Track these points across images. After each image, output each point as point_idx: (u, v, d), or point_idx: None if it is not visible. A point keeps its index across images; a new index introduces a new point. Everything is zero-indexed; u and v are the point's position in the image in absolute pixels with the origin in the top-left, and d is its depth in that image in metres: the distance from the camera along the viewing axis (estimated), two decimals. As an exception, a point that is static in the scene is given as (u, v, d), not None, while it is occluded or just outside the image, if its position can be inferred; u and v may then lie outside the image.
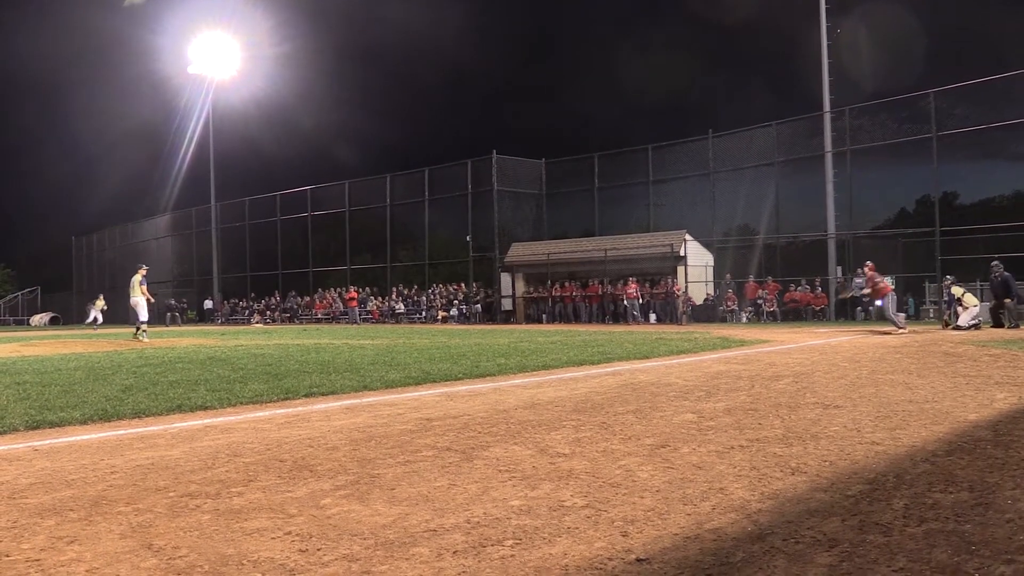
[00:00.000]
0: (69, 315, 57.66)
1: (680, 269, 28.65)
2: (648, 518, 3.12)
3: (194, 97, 46.72)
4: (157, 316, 39.86)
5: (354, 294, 37.02)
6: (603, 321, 29.44)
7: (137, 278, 19.49)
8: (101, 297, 37.14)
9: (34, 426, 5.62)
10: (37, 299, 67.93)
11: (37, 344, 18.22)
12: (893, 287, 20.05)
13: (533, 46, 73.91)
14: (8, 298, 71.14)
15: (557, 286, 31.59)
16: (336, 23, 76.27)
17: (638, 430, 5.12)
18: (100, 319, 35.77)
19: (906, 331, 16.80)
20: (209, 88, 45.66)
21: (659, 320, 28.28)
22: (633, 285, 28.67)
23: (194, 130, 48.16)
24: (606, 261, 30.01)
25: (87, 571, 2.63)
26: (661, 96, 65.18)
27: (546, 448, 4.55)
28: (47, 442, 5.06)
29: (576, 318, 30.48)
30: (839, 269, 27.31)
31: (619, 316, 29.30)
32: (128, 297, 19.71)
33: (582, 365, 10.04)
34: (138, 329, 19.00)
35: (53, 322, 56.58)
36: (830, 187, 27.35)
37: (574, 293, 31.04)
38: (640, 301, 28.70)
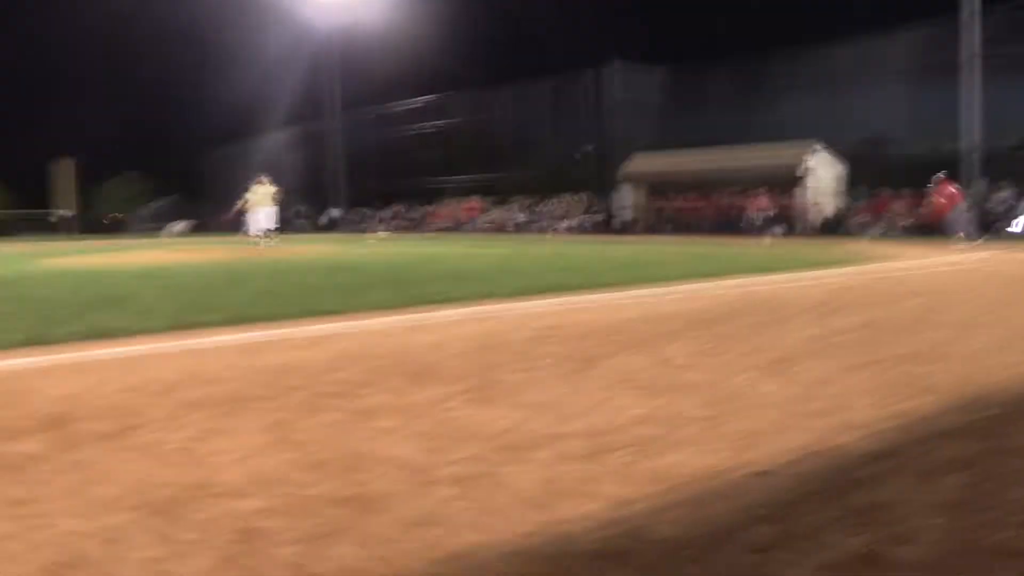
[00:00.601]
0: (206, 223, 60.64)
1: (808, 180, 27.57)
2: (769, 431, 3.10)
3: (317, 10, 47.15)
4: (285, 223, 41.61)
5: (476, 204, 37.38)
6: (726, 233, 28.80)
7: (267, 188, 20.07)
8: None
9: (180, 327, 5.97)
10: (175, 207, 71.64)
11: (179, 250, 19.30)
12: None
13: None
14: (151, 206, 75.40)
15: (679, 197, 30.99)
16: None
17: (759, 343, 5.04)
18: None
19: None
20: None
21: (785, 233, 27.45)
22: (760, 197, 27.82)
23: (320, 42, 48.85)
24: (730, 171, 29.15)
25: (232, 461, 2.82)
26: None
27: (665, 359, 4.55)
28: (192, 342, 5.39)
29: (698, 230, 29.92)
30: (984, 182, 25.67)
31: (742, 228, 28.59)
32: (251, 205, 20.29)
33: (703, 277, 9.90)
34: (265, 236, 19.81)
35: (193, 230, 59.68)
36: (972, 96, 25.46)
37: (696, 204, 30.41)
38: (767, 213, 27.87)
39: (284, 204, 21.94)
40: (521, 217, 37.18)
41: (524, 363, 4.48)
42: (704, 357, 4.60)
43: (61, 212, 67.28)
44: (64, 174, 66.95)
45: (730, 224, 29.15)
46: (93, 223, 73.84)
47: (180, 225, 62.95)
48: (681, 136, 34.59)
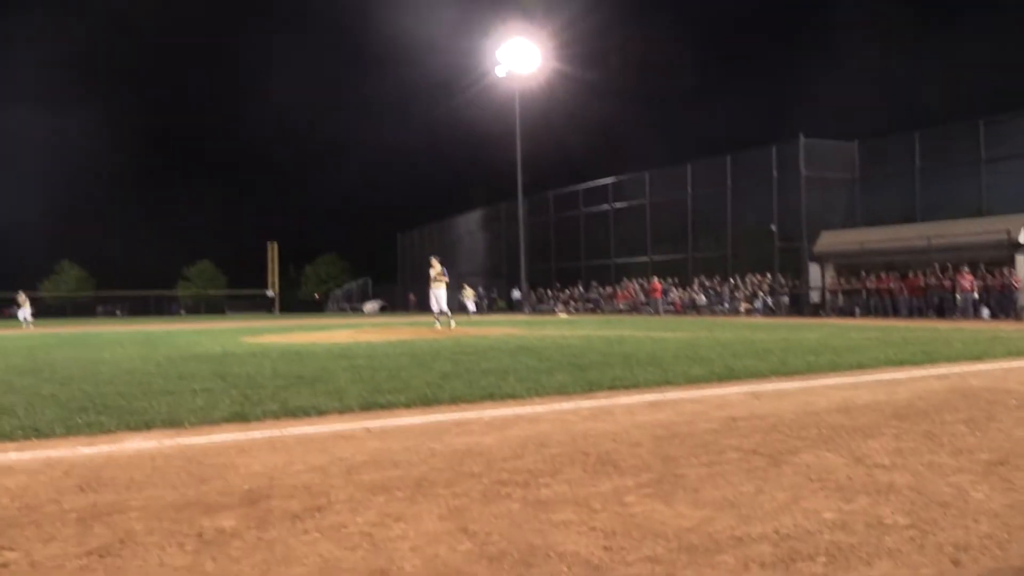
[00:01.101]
0: (394, 303, 63.38)
1: (1019, 257, 25.52)
2: (984, 546, 2.79)
3: (502, 97, 49.22)
4: (464, 305, 42.89)
5: (658, 285, 37.10)
6: (925, 315, 27.02)
7: (436, 270, 20.67)
8: (21, 293, 38.79)
9: (367, 407, 6.20)
10: (368, 288, 75.57)
11: (368, 331, 20.22)
12: None
13: (830, 10, 69.02)
14: (345, 287, 79.90)
15: (872, 277, 29.47)
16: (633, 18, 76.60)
17: (971, 443, 4.61)
18: (29, 318, 37.10)
19: None
20: (515, 88, 47.81)
21: (993, 315, 25.42)
22: (966, 276, 25.99)
23: (502, 128, 50.85)
24: (929, 250, 27.50)
25: (411, 548, 2.85)
26: (990, 63, 58.39)
27: (862, 457, 4.24)
28: (378, 423, 5.57)
29: (894, 312, 28.24)
30: None
31: (944, 310, 26.73)
32: (429, 287, 20.99)
33: (902, 365, 9.26)
34: (443, 317, 20.41)
35: (382, 310, 62.62)
36: None
37: (891, 284, 28.78)
38: (972, 294, 25.96)
39: (472, 285, 22.73)
40: (703, 298, 36.51)
41: (706, 456, 4.31)
42: (907, 456, 4.25)
43: (266, 292, 72.51)
44: (269, 257, 72.37)
45: (930, 305, 27.38)
46: (294, 302, 79.15)
47: (372, 305, 66.35)
48: (872, 212, 33.10)
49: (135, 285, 73.81)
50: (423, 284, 21.61)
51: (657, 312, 35.83)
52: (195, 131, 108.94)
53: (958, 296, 26.16)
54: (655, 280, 37.95)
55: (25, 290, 40.70)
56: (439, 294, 20.60)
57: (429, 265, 21.05)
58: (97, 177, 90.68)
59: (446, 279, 20.79)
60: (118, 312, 78.68)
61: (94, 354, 12.82)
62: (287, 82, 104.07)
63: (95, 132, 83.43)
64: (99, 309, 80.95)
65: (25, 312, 37.26)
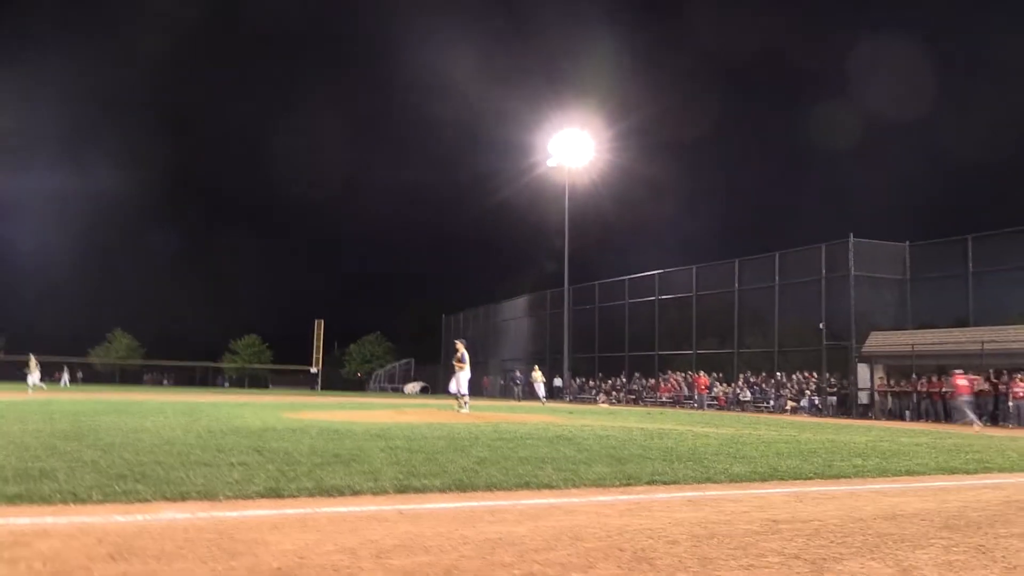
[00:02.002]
0: (436, 385, 63.32)
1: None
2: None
3: (552, 187, 49.98)
4: (512, 391, 42.78)
5: (703, 379, 36.64)
6: (980, 422, 26.21)
7: (460, 353, 20.87)
8: (32, 357, 36.77)
9: (401, 490, 6.14)
10: (411, 369, 75.72)
11: (408, 412, 20.17)
12: None
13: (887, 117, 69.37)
14: (388, 367, 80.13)
15: (923, 380, 28.78)
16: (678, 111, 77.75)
17: (1027, 559, 4.41)
18: (39, 383, 35.85)
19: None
20: (566, 179, 48.52)
21: (1052, 425, 24.57)
22: (1020, 383, 25.27)
23: (551, 217, 51.48)
24: (983, 354, 26.84)
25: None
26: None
27: (909, 568, 4.07)
28: (411, 507, 5.51)
29: (946, 417, 27.44)
30: None
31: (999, 417, 25.91)
32: (455, 370, 21.15)
33: (954, 473, 8.96)
34: (461, 400, 20.48)
35: (423, 391, 62.58)
36: None
37: (943, 389, 28.04)
38: (1026, 401, 25.18)
39: (514, 370, 22.80)
40: (748, 395, 35.92)
41: (745, 559, 4.17)
42: (957, 571, 4.07)
43: (309, 369, 73.04)
44: (316, 334, 73.08)
45: (983, 411, 26.58)
46: (336, 380, 79.53)
47: (414, 386, 66.37)
48: (923, 314, 32.56)
49: (183, 356, 74.99)
50: (473, 367, 21.73)
51: (701, 407, 35.27)
52: (252, 205, 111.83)
53: (1011, 403, 25.40)
54: (701, 374, 37.46)
55: (73, 355, 40.42)
56: (461, 377, 20.79)
57: (454, 348, 21.22)
58: (150, 247, 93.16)
59: (465, 362, 20.91)
60: (165, 381, 79.78)
61: (137, 422, 12.94)
62: (345, 160, 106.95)
63: (149, 200, 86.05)
64: (146, 377, 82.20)
65: (34, 378, 36.03)
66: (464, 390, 20.82)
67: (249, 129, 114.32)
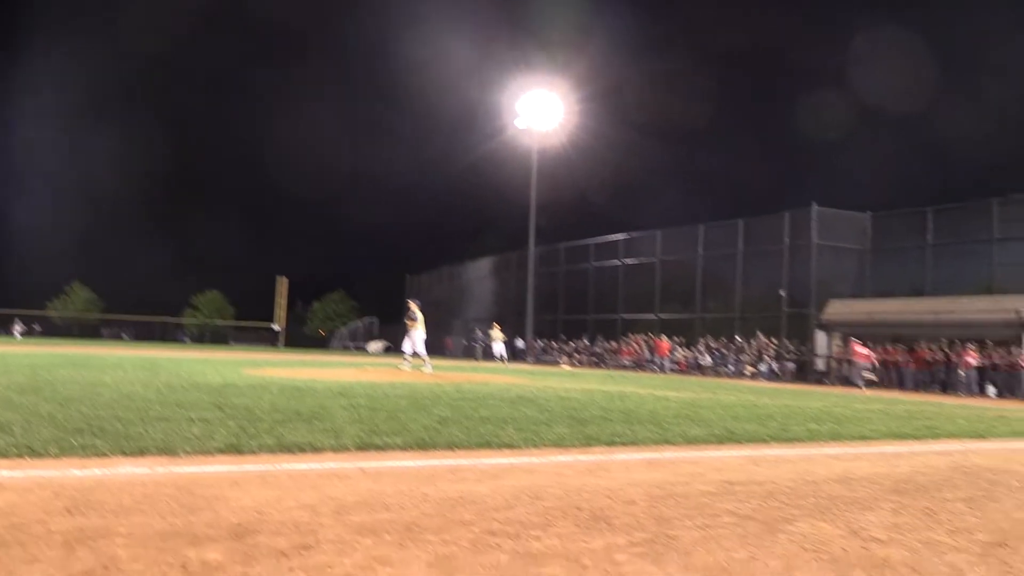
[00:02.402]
0: (399, 345, 63.32)
1: (1028, 338, 25.43)
2: (979, 629, 2.74)
3: (520, 148, 49.67)
4: (475, 351, 42.75)
5: (665, 344, 36.97)
6: (930, 390, 26.85)
7: (414, 313, 20.96)
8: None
9: (363, 447, 6.17)
10: (375, 328, 75.55)
11: (371, 371, 20.17)
12: None
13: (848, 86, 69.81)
14: (351, 325, 79.89)
15: (879, 348, 29.34)
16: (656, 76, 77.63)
17: (970, 522, 4.55)
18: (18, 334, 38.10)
19: None
20: (533, 140, 48.23)
21: (999, 394, 25.23)
22: (970, 353, 25.88)
23: (518, 178, 51.26)
24: (938, 324, 27.42)
25: (396, 595, 2.81)
26: (1009, 143, 58.73)
27: (859, 530, 4.18)
28: (372, 464, 5.53)
29: (899, 385, 28.07)
30: None
31: (949, 386, 26.56)
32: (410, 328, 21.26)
33: (904, 439, 9.18)
34: (415, 359, 20.66)
35: (387, 351, 62.50)
36: None
37: (898, 357, 28.64)
38: (974, 371, 25.81)
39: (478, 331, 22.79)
40: (708, 359, 36.38)
41: (700, 519, 4.25)
42: (904, 532, 4.19)
43: (271, 326, 72.57)
44: (278, 291, 72.53)
45: (935, 380, 27.21)
46: (299, 337, 79.12)
47: (377, 345, 66.24)
48: (882, 284, 33.11)
49: (143, 310, 74.02)
50: (429, 327, 21.74)
51: (662, 370, 35.68)
52: (214, 162, 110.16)
53: (961, 372, 26.02)
54: (662, 338, 37.82)
55: (30, 308, 41.22)
56: (415, 336, 20.89)
57: (407, 308, 21.27)
58: (114, 201, 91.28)
59: (417, 322, 20.97)
60: (123, 336, 78.83)
61: (95, 376, 12.81)
62: (307, 117, 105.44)
63: (115, 155, 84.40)
64: (104, 332, 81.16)
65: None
66: (420, 349, 20.97)
67: (218, 85, 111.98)
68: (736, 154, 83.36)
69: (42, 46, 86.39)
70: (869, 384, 26.90)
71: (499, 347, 38.58)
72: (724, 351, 36.32)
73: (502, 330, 40.16)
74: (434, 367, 21.63)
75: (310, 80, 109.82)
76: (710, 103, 78.99)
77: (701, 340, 37.78)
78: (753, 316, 36.86)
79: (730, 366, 35.10)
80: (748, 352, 34.96)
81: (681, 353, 38.01)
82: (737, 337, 36.22)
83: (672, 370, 36.57)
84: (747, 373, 33.64)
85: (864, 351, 27.35)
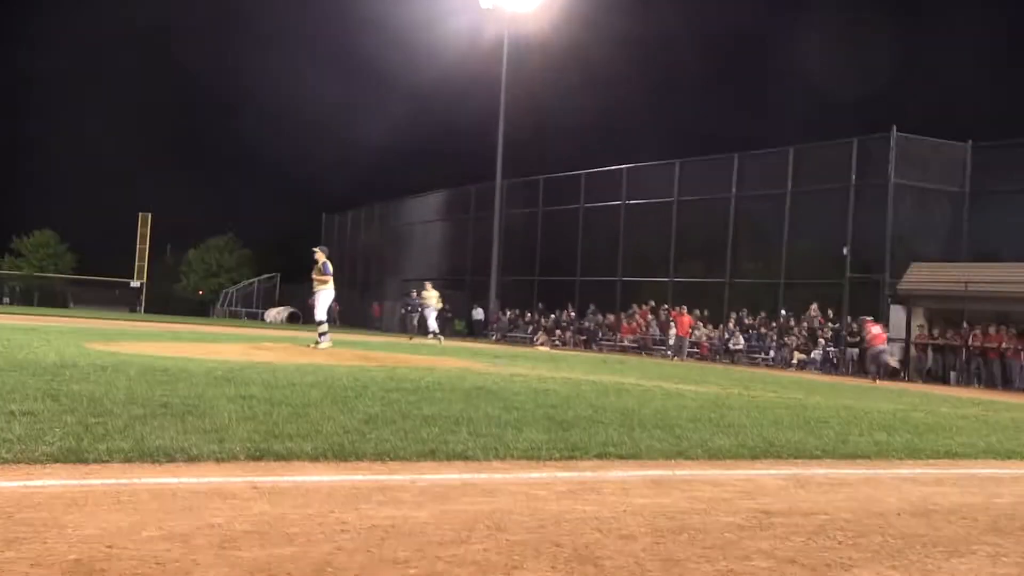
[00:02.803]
0: (308, 313, 63.17)
1: None
2: None
3: (483, 40, 49.17)
4: (408, 323, 42.58)
5: (686, 318, 36.82)
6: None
7: (319, 266, 21.00)
8: None
9: (257, 456, 6.16)
10: (276, 289, 75.18)
11: (270, 348, 20.10)
12: None
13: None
14: (243, 284, 79.37)
15: (977, 331, 29.72)
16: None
17: (1093, 572, 4.65)
18: None
19: None
20: (503, 28, 47.69)
21: None
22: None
23: (481, 83, 50.90)
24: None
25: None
26: None
27: (941, 580, 4.27)
28: (270, 479, 5.54)
29: (1006, 383, 28.50)
30: None
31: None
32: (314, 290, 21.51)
33: (1010, 459, 9.35)
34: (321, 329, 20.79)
35: (291, 319, 62.35)
36: None
37: (1004, 344, 29.03)
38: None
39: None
40: (741, 341, 36.64)
41: (723, 562, 4.31)
42: (1001, 584, 4.28)
43: (129, 283, 71.96)
44: (139, 233, 71.62)
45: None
46: (170, 299, 78.56)
47: (278, 312, 66.08)
48: (985, 243, 33.32)
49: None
50: (353, 287, 21.80)
51: (678, 355, 35.86)
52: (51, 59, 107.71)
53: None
54: (682, 310, 37.66)
55: None
56: (322, 298, 20.97)
57: (312, 259, 21.25)
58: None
59: (328, 278, 21.00)
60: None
61: None
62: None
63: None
64: None
65: None
66: (323, 316, 21.04)
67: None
68: (785, 55, 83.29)
69: None
70: (886, 373, 28.64)
71: (432, 316, 37.17)
72: (763, 331, 36.59)
73: (440, 294, 39.10)
74: (360, 344, 21.60)
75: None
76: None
77: (732, 314, 37.96)
78: (803, 282, 37.01)
79: (770, 351, 35.42)
80: (796, 332, 35.26)
81: (703, 331, 38.21)
82: (782, 311, 36.44)
83: (691, 354, 36.75)
84: (793, 361, 33.99)
85: (878, 330, 28.70)
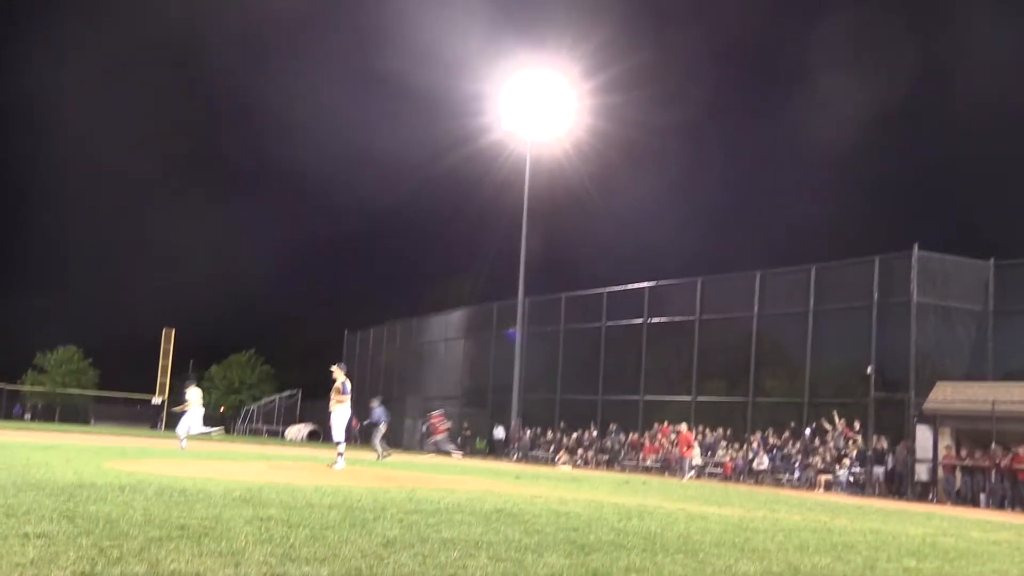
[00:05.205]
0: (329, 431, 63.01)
1: None
2: None
3: (508, 160, 49.83)
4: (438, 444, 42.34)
5: (688, 436, 36.62)
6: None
7: (339, 384, 21.09)
8: None
9: (274, 582, 6.09)
10: (297, 406, 75.18)
11: (289, 466, 20.04)
12: None
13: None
14: (264, 401, 79.40)
15: (1007, 453, 29.34)
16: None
17: None
18: None
19: None
20: (524, 152, 48.26)
21: None
22: None
23: (504, 202, 51.44)
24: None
25: None
26: None
27: None
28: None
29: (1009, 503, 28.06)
30: None
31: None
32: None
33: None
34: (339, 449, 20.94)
35: (311, 437, 62.23)
36: None
37: (1032, 466, 28.64)
38: None
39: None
40: (765, 460, 36.29)
41: None
42: None
43: (151, 399, 72.03)
44: (163, 349, 71.92)
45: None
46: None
47: (299, 429, 65.96)
48: (1011, 361, 33.14)
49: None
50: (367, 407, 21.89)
51: (679, 474, 35.53)
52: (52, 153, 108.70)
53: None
54: (683, 428, 37.29)
55: None
56: (338, 416, 21.05)
57: (331, 376, 21.37)
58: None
59: (346, 398, 21.09)
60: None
61: None
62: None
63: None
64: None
65: None
66: (341, 436, 21.04)
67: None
68: (806, 176, 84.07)
69: None
70: None
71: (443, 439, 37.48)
72: (788, 450, 36.21)
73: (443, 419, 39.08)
74: (384, 463, 21.51)
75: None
76: (770, 104, 79.91)
77: (756, 434, 37.63)
78: (827, 401, 36.72)
79: (796, 472, 35.01)
80: (822, 453, 34.86)
81: (727, 452, 37.86)
82: (807, 429, 36.10)
83: (713, 473, 36.36)
84: (819, 483, 33.55)
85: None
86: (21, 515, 8.21)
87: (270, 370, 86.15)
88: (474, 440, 50.31)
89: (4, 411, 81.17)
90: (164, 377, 72.45)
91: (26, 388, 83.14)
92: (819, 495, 29.52)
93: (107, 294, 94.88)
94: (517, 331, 47.55)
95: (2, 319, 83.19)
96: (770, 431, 37.62)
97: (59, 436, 34.13)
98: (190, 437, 28.97)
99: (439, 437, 38.01)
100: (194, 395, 29.94)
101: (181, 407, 30.61)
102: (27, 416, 78.37)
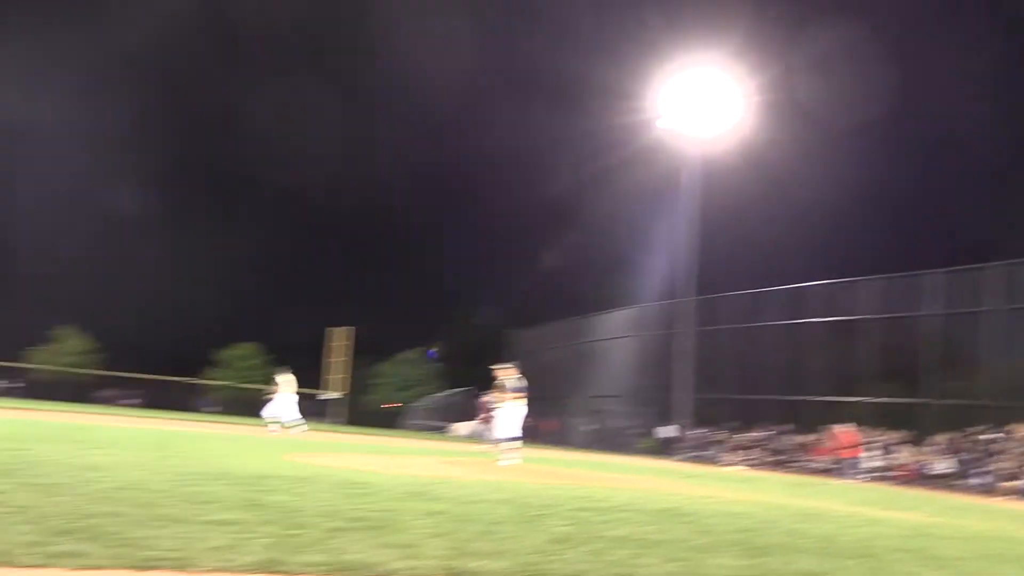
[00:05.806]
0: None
1: None
2: None
3: (669, 157, 49.36)
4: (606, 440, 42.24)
5: (851, 436, 35.77)
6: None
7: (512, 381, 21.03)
8: None
9: (446, 572, 6.13)
10: (466, 403, 75.73)
11: (459, 462, 20.27)
12: None
13: None
14: (432, 398, 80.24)
15: None
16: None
17: None
18: None
19: None
20: (688, 147, 47.71)
21: None
22: None
23: (669, 200, 51.04)
24: None
25: None
26: None
27: None
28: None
29: None
30: None
31: None
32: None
33: None
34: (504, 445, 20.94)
35: (478, 434, 62.63)
36: None
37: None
38: None
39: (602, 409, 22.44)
40: (945, 464, 35.18)
41: None
42: None
43: (327, 395, 73.40)
44: (337, 347, 73.25)
45: None
46: (357, 411, 79.76)
47: (468, 426, 66.39)
48: None
49: (151, 366, 75.64)
50: (542, 402, 21.96)
51: (842, 475, 34.83)
52: (249, 156, 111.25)
53: None
54: (845, 429, 36.46)
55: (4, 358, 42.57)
56: (506, 414, 21.18)
57: (497, 374, 21.48)
58: (120, 216, 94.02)
59: (512, 395, 21.06)
60: (126, 400, 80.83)
61: (86, 456, 13.13)
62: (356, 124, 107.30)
63: (123, 159, 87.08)
64: (100, 394, 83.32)
65: None
66: (507, 433, 20.97)
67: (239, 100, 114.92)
68: (995, 170, 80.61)
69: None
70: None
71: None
72: (967, 454, 35.00)
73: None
74: (550, 461, 21.55)
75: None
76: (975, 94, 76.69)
77: (937, 437, 36.52)
78: (1011, 405, 35.40)
79: (975, 476, 33.78)
80: (1010, 455, 33.54)
81: (904, 454, 36.84)
82: (989, 435, 34.83)
83: (892, 477, 35.48)
84: (1002, 488, 32.27)
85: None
86: (209, 503, 8.44)
87: (442, 367, 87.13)
88: (642, 439, 50.05)
89: (189, 403, 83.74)
90: (338, 374, 73.65)
91: (210, 381, 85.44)
92: (1001, 502, 28.39)
93: (283, 291, 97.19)
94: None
95: (188, 311, 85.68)
96: (951, 435, 36.49)
97: (240, 429, 35.29)
98: (285, 426, 30.13)
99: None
100: (286, 381, 30.89)
101: (270, 392, 32.01)
102: (212, 408, 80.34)
